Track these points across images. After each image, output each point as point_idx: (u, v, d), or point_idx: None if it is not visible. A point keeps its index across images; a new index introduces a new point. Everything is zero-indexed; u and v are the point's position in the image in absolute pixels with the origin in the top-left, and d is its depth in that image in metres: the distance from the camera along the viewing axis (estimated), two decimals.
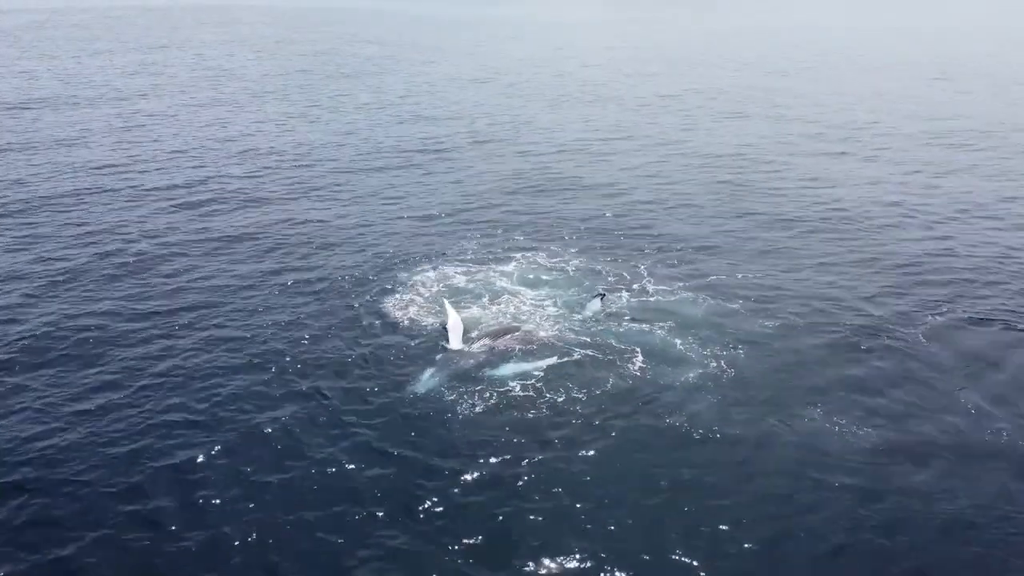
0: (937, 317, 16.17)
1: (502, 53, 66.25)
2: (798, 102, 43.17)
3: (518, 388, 12.98)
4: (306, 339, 14.81)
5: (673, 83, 49.60)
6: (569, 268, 18.20)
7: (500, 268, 18.15)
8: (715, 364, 13.85)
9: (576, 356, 14.06)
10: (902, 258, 19.56)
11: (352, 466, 11.17)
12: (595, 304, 15.49)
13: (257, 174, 26.54)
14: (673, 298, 16.65)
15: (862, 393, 13.31)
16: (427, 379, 13.25)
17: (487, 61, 60.21)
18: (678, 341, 14.56)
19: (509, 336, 14.55)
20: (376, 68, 54.05)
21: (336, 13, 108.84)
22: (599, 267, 18.38)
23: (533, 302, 16.25)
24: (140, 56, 54.95)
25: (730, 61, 61.95)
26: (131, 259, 18.44)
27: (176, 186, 24.63)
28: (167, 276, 17.64)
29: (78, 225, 20.73)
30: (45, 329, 14.91)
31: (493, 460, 11.30)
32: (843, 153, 31.03)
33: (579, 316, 15.47)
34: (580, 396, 12.80)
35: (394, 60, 59.18)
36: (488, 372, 13.47)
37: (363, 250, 19.58)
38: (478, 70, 54.45)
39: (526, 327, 14.99)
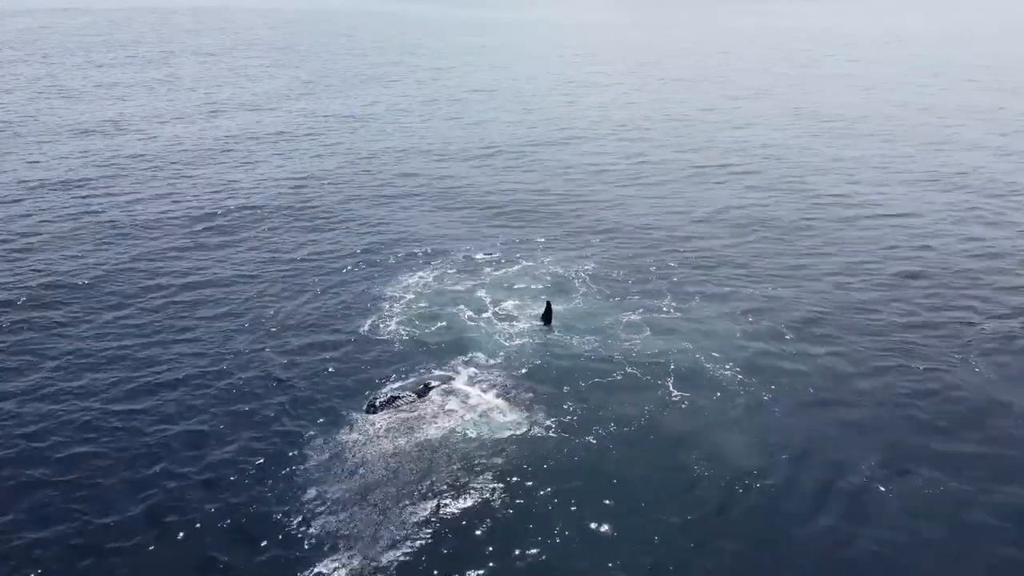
0: (1003, 341, 15.33)
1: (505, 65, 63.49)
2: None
3: (550, 424, 12.41)
4: (297, 354, 14.90)
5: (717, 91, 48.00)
6: (590, 281, 17.90)
7: (510, 281, 17.94)
8: (761, 396, 13.23)
9: (611, 379, 13.57)
10: (957, 279, 18.46)
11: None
12: (546, 312, 15.63)
13: (265, 177, 27.32)
14: (706, 315, 16.17)
15: (922, 435, 12.43)
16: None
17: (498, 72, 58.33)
18: (712, 367, 14.03)
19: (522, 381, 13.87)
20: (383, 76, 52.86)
21: (361, 18, 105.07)
22: (635, 281, 17.93)
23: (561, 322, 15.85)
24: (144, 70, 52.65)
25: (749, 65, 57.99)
26: (124, 278, 18.22)
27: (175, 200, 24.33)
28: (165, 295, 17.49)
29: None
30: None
31: (501, 509, 10.72)
32: (905, 181, 27.29)
33: (541, 325, 15.54)
34: (608, 437, 12.21)
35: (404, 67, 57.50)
36: (513, 416, 12.71)
37: (363, 259, 19.61)
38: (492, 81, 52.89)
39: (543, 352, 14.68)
